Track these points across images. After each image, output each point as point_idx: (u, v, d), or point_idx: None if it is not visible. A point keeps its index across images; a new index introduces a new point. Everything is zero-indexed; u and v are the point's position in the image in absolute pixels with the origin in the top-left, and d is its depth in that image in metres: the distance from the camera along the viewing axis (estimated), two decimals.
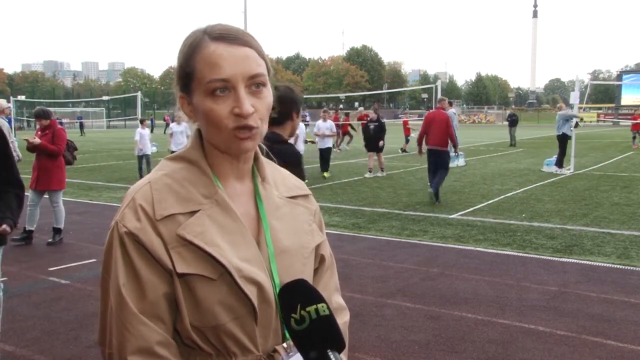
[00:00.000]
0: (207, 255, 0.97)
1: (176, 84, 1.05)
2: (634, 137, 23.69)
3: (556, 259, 6.03)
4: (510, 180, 12.66)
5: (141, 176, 9.59)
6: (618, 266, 5.73)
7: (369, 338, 4.00)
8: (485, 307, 4.59)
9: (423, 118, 11.46)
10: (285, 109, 2.81)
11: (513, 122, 25.61)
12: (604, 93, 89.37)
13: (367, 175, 13.57)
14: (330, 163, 14.23)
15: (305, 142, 12.64)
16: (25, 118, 48.70)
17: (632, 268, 5.66)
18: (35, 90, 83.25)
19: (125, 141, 30.20)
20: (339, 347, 0.92)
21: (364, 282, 5.28)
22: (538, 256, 6.14)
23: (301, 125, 11.72)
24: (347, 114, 25.85)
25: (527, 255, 6.20)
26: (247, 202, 1.08)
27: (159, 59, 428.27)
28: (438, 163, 9.75)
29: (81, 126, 45.62)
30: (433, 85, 17.57)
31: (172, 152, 7.69)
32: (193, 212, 0.99)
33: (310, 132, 17.16)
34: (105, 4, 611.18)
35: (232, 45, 0.99)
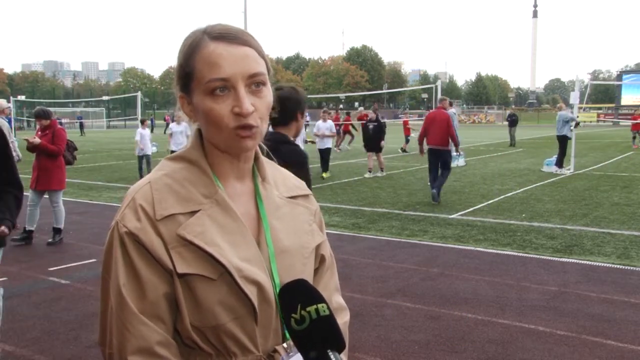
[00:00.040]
0: (207, 255, 0.97)
1: (176, 83, 1.05)
2: (634, 137, 23.69)
3: (556, 259, 6.03)
4: (510, 180, 12.66)
5: (141, 176, 9.58)
6: (618, 266, 5.73)
7: (369, 338, 4.00)
8: (485, 307, 4.59)
9: (423, 118, 11.47)
10: (290, 109, 2.81)
11: (513, 122, 25.62)
12: (604, 93, 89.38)
13: (367, 175, 13.57)
14: (331, 163, 14.24)
15: (305, 142, 12.64)
16: (25, 118, 48.69)
17: (632, 268, 5.66)
18: (35, 90, 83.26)
19: (125, 141, 30.21)
20: (339, 347, 0.92)
21: (364, 282, 5.28)
22: (538, 256, 6.14)
23: None
24: (348, 114, 25.85)
25: (527, 255, 6.20)
26: (247, 202, 1.08)
27: (159, 59, 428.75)
28: (439, 162, 9.76)
29: (81, 126, 45.63)
30: (433, 85, 17.56)
31: (172, 152, 7.70)
32: (193, 212, 0.99)
33: (310, 132, 17.15)
34: (105, 4, 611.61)
35: (232, 45, 0.99)
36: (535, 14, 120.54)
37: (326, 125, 13.88)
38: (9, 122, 10.28)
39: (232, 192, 1.06)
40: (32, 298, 4.96)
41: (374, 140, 13.79)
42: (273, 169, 1.16)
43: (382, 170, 13.98)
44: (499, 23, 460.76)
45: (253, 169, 1.11)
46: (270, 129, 2.91)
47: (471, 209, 9.04)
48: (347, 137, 23.32)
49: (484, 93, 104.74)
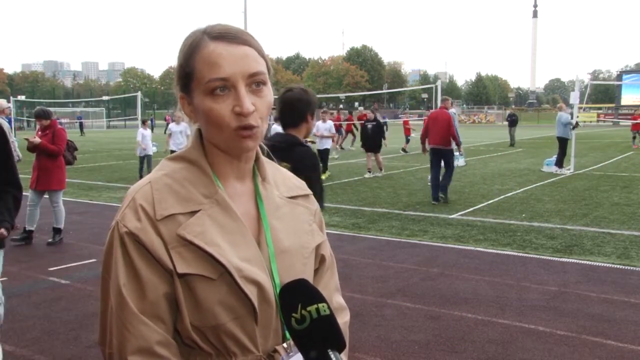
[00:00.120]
0: (207, 255, 0.97)
1: (176, 84, 1.05)
2: (634, 137, 23.69)
3: (556, 259, 6.03)
4: (510, 180, 12.66)
5: (141, 177, 9.60)
6: (618, 266, 5.73)
7: (369, 338, 4.00)
8: (485, 307, 4.59)
9: (423, 118, 11.48)
10: (301, 110, 2.82)
11: (513, 122, 25.63)
12: (604, 93, 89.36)
13: (367, 175, 13.57)
14: (330, 163, 14.23)
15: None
16: (25, 118, 48.67)
17: (632, 268, 5.66)
18: (35, 90, 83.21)
19: (125, 141, 30.22)
20: (339, 347, 0.92)
21: (364, 282, 5.28)
22: (538, 256, 6.14)
23: None
24: (350, 113, 25.80)
25: (527, 255, 6.20)
26: (247, 202, 1.08)
27: (159, 59, 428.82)
28: (441, 162, 9.78)
29: (81, 126, 45.61)
30: (433, 85, 17.56)
31: (172, 152, 7.70)
32: (193, 212, 0.99)
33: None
34: (105, 4, 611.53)
35: (232, 44, 0.99)
36: (535, 14, 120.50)
37: (325, 126, 13.88)
38: (9, 122, 10.28)
39: (232, 192, 1.06)
40: (32, 298, 4.96)
41: (372, 140, 13.79)
42: (273, 169, 1.16)
43: (381, 170, 13.98)
44: (499, 23, 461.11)
45: (253, 169, 1.11)
46: (281, 130, 2.91)
47: (471, 209, 9.04)
48: (349, 137, 23.30)
49: (484, 93, 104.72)
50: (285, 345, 1.04)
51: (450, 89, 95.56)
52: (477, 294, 4.93)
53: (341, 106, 55.14)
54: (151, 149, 13.38)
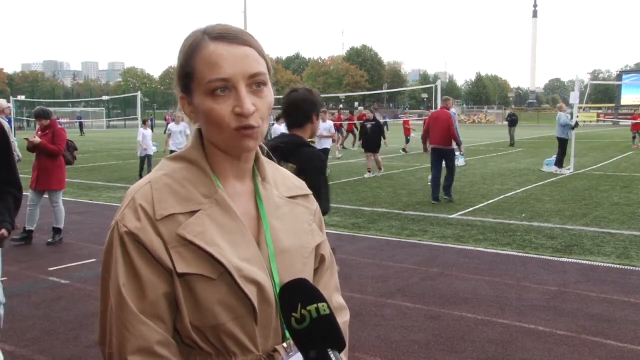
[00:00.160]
0: (207, 255, 0.97)
1: (177, 84, 1.05)
2: (634, 137, 23.69)
3: (556, 259, 6.03)
4: (510, 180, 12.66)
5: (141, 177, 9.60)
6: (618, 266, 5.73)
7: (369, 338, 4.00)
8: (485, 307, 4.59)
9: (423, 118, 11.49)
10: (306, 111, 2.82)
11: (513, 122, 25.63)
12: (604, 93, 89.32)
13: (367, 175, 13.57)
14: (331, 163, 14.23)
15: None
16: (25, 118, 48.64)
17: (632, 268, 5.66)
18: (35, 90, 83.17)
19: (125, 141, 30.21)
20: (339, 347, 0.92)
21: (364, 282, 5.28)
22: (538, 256, 6.14)
23: None
24: (351, 113, 25.77)
25: (527, 255, 6.21)
26: (247, 202, 1.08)
27: (159, 59, 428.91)
28: (442, 162, 9.79)
29: (81, 126, 45.59)
30: (433, 85, 17.55)
31: (172, 152, 7.69)
32: (193, 212, 0.99)
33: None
34: (105, 4, 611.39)
35: (232, 45, 0.99)
36: (535, 14, 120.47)
37: (325, 126, 13.86)
38: (9, 122, 10.28)
39: (232, 192, 1.06)
40: (32, 298, 4.96)
41: (372, 140, 13.80)
42: (273, 169, 1.16)
43: (380, 170, 13.99)
44: (499, 23, 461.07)
45: (253, 169, 1.11)
46: (287, 130, 2.92)
47: (471, 209, 9.04)
48: (350, 137, 23.29)
49: (484, 93, 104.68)
50: (285, 345, 1.04)
51: (450, 89, 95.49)
52: (477, 294, 4.94)
53: (341, 106, 55.12)
54: (152, 149, 13.39)
